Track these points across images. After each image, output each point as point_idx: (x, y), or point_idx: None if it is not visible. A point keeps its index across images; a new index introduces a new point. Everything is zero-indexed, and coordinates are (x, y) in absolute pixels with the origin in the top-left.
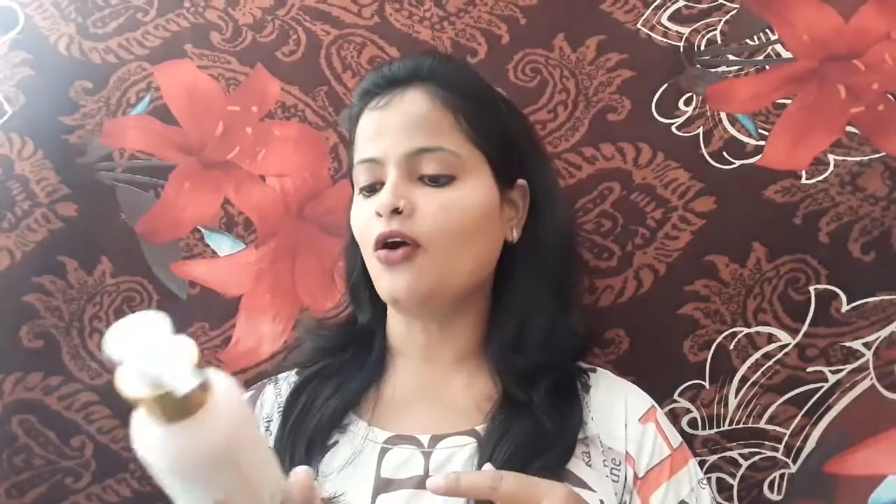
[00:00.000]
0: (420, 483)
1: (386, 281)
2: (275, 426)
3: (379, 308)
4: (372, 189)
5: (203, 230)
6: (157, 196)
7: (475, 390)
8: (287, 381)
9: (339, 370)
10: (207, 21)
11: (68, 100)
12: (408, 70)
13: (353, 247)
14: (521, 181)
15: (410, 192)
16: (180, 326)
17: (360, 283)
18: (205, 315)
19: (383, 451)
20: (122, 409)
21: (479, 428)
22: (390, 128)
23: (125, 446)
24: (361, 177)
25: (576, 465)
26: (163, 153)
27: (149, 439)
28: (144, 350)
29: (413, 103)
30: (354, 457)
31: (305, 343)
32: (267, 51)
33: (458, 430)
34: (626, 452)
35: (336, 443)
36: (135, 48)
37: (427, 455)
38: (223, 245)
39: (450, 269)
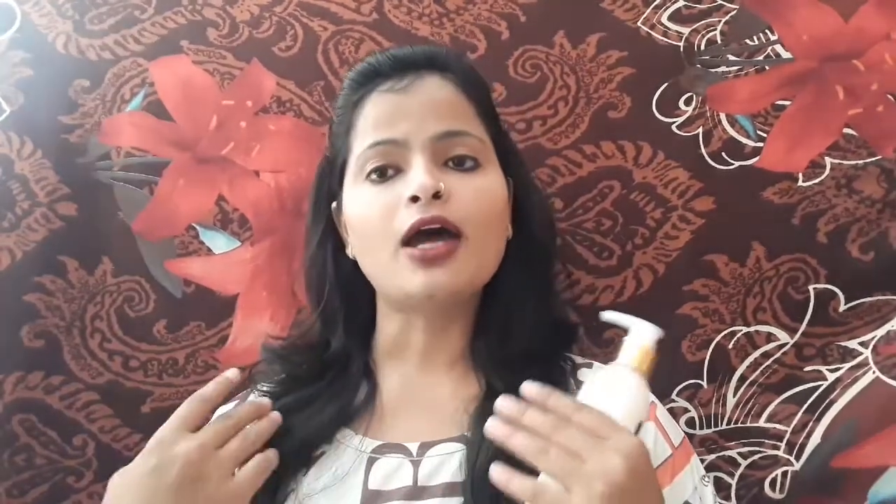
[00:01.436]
0: (409, 494)
1: (421, 278)
2: None
3: (354, 327)
4: (383, 173)
5: (198, 227)
6: (152, 193)
7: (463, 394)
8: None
9: (311, 401)
10: (205, 18)
11: (68, 99)
12: (425, 56)
13: (321, 254)
14: (510, 179)
15: (441, 177)
16: (177, 325)
17: (335, 300)
18: (200, 314)
19: (371, 462)
20: (123, 409)
21: (469, 434)
22: (412, 111)
23: (127, 445)
24: (374, 162)
25: None
26: (157, 149)
27: (628, 383)
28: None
29: (436, 88)
30: (342, 471)
31: (273, 366)
32: (264, 46)
33: (447, 437)
34: None
35: (322, 454)
36: (130, 44)
37: (416, 464)
38: (218, 242)
39: (484, 259)
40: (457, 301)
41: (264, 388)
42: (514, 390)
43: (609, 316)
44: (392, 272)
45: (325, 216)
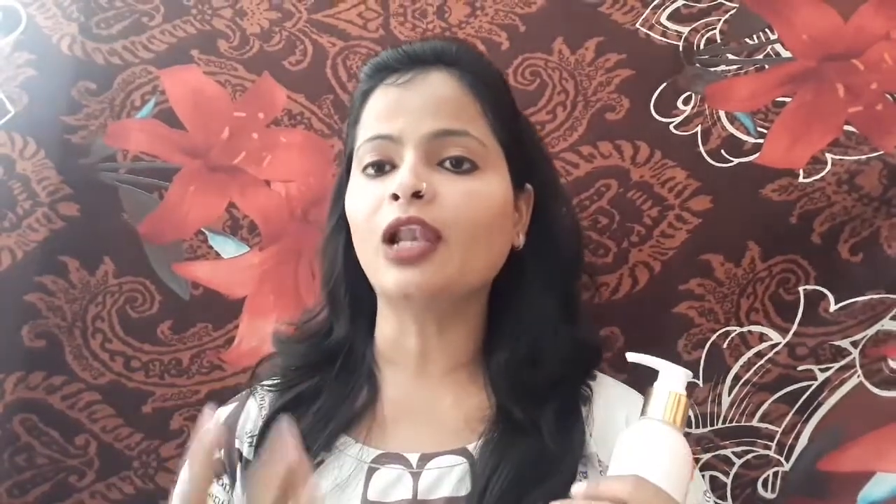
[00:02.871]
0: None
1: (394, 275)
2: None
3: (360, 319)
4: (380, 168)
5: (207, 232)
6: (161, 197)
7: (466, 405)
8: (269, 394)
9: (315, 396)
10: (214, 29)
11: (71, 100)
12: (433, 51)
13: (332, 243)
14: (528, 186)
15: (431, 177)
16: (183, 326)
17: (341, 287)
18: (208, 315)
19: (370, 472)
20: (125, 409)
21: (471, 447)
22: (411, 106)
23: (128, 445)
24: (369, 156)
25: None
26: (167, 155)
27: (652, 433)
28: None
29: (439, 84)
30: (341, 480)
31: (277, 359)
32: (274, 59)
33: (448, 449)
34: None
35: (321, 462)
36: (140, 51)
37: (416, 476)
38: (227, 247)
39: (467, 264)
40: (439, 303)
41: (267, 386)
42: (532, 419)
43: (635, 358)
44: (374, 268)
45: (341, 207)
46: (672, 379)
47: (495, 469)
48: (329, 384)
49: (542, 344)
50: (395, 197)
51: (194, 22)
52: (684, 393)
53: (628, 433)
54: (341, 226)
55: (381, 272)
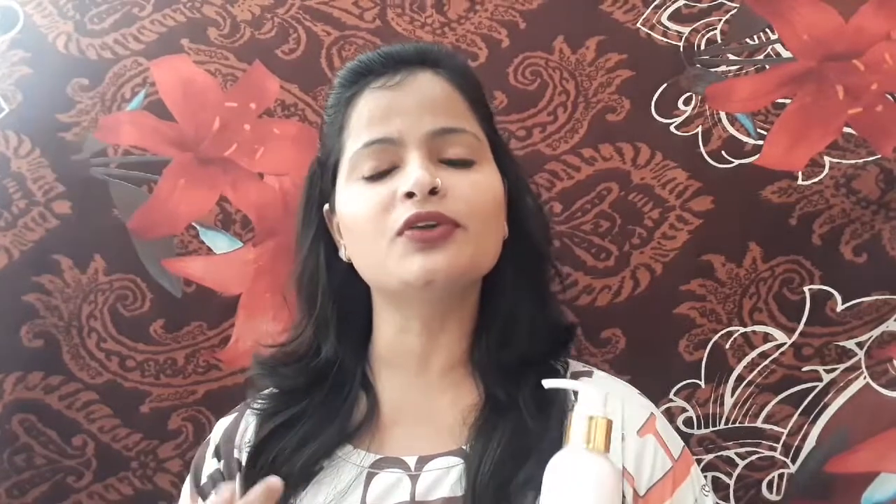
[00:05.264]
0: None
1: (419, 261)
2: None
3: (348, 334)
4: (378, 172)
5: (198, 227)
6: (151, 191)
7: (462, 405)
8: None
9: (311, 416)
10: (204, 16)
11: (65, 97)
12: (417, 53)
13: (312, 256)
14: (505, 180)
15: (438, 173)
16: (176, 325)
17: (328, 304)
18: (201, 314)
19: (370, 476)
20: (122, 409)
21: (467, 447)
22: (406, 107)
23: (126, 445)
24: (368, 161)
25: None
26: (157, 148)
27: (575, 461)
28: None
29: (429, 84)
30: (341, 487)
31: (263, 380)
32: (266, 48)
33: (445, 451)
34: (624, 468)
35: (321, 469)
36: (131, 43)
37: (414, 479)
38: (219, 243)
39: (482, 249)
40: (453, 292)
41: (256, 406)
42: (513, 399)
43: (551, 384)
44: (389, 262)
45: (317, 219)
46: (589, 403)
47: (484, 451)
48: (320, 402)
49: (513, 325)
50: (410, 195)
51: (184, 10)
52: (602, 415)
53: (554, 462)
54: (319, 239)
55: (402, 262)
